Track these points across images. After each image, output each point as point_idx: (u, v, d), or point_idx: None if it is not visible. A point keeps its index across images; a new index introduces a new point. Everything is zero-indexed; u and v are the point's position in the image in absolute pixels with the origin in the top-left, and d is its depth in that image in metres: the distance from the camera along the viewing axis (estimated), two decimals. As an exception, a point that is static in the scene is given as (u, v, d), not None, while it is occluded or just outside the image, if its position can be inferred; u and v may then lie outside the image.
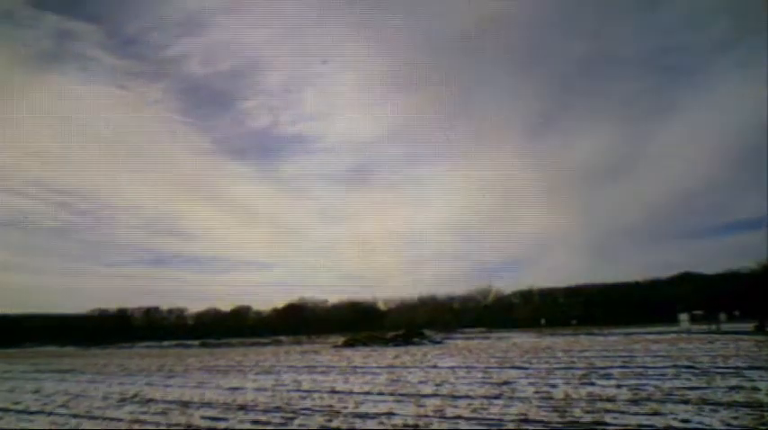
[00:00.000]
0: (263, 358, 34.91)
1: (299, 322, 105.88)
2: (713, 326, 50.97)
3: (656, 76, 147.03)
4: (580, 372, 16.86)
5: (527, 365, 20.33)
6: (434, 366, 22.33)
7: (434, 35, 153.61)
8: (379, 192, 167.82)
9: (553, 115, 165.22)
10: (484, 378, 17.11)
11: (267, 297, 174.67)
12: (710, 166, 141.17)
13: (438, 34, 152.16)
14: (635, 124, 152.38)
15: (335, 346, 47.45)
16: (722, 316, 54.94)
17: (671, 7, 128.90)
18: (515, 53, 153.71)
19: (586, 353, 24.72)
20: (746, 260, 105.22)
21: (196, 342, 77.71)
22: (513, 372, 18.23)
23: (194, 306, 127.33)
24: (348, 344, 47.38)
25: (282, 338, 78.72)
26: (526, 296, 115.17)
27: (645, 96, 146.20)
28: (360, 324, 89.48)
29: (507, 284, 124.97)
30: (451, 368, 21.09)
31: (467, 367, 21.00)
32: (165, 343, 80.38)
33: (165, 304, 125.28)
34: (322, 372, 22.01)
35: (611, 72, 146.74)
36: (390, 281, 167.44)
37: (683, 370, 15.95)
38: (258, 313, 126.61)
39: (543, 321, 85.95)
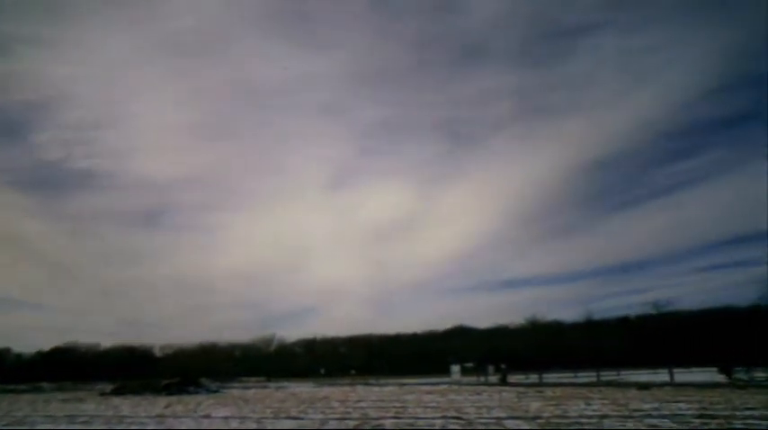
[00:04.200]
0: (17, 407, 30.20)
1: (67, 367, 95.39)
2: (482, 378, 55.39)
3: (446, 143, 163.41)
4: (353, 423, 16.53)
5: (302, 416, 19.58)
6: (207, 416, 20.82)
7: (242, 87, 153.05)
8: (168, 235, 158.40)
9: (350, 172, 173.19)
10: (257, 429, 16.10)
11: (32, 340, 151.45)
12: (489, 228, 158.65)
13: (246, 87, 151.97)
14: (423, 186, 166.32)
15: (103, 394, 42.83)
16: (490, 368, 60.17)
17: (463, 85, 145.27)
18: (320, 109, 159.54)
19: (362, 404, 24.69)
20: (516, 316, 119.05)
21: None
22: (288, 423, 17.38)
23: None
24: (117, 392, 43.02)
25: (44, 385, 69.57)
26: (309, 345, 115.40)
27: (435, 161, 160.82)
28: (133, 370, 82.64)
29: (291, 333, 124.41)
30: (225, 418, 19.71)
31: (241, 417, 19.68)
32: None
33: None
34: (84, 423, 19.52)
35: (406, 136, 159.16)
36: (171, 327, 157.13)
37: (451, 420, 16.44)
38: (19, 356, 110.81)
39: (323, 370, 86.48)
